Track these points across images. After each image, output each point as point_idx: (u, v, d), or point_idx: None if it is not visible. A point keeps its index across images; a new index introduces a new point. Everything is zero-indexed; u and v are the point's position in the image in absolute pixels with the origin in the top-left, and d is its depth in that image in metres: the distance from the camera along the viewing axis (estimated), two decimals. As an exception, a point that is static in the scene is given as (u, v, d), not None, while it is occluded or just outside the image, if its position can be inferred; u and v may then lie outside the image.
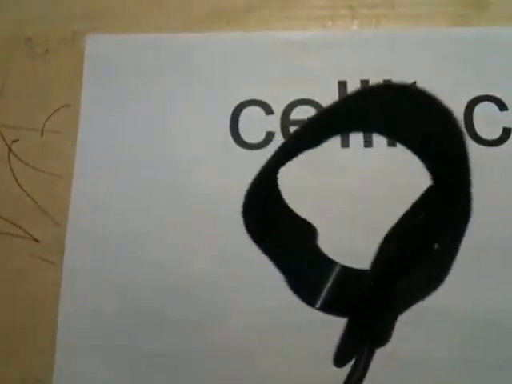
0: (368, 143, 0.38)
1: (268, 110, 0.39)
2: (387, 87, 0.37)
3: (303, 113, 0.39)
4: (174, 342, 0.35)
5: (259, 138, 0.38)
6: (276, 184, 0.35)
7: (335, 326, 0.33)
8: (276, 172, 0.36)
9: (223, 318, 0.35)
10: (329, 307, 0.31)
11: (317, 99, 0.39)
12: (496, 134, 0.38)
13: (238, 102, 0.39)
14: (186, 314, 0.35)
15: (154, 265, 0.36)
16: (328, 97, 0.39)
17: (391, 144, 0.38)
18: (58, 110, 0.39)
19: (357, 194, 0.37)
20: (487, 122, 0.38)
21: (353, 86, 0.39)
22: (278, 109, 0.39)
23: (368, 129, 0.37)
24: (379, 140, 0.38)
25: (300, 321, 0.34)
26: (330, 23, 0.41)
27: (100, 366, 0.34)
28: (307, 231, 0.33)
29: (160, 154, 0.38)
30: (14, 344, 0.35)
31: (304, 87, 0.40)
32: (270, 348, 0.34)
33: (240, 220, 0.36)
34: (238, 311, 0.35)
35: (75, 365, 0.34)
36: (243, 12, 0.41)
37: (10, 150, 0.38)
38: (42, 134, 0.38)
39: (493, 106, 0.39)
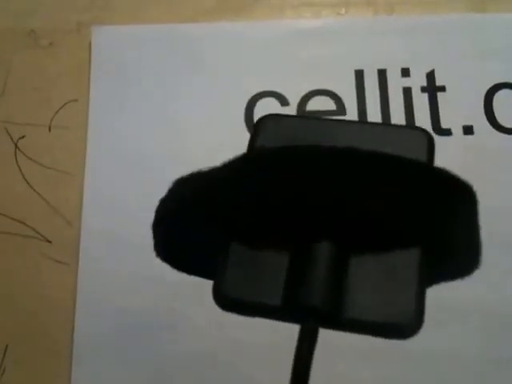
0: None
1: (283, 102, 0.38)
2: None
3: (319, 104, 0.38)
4: (197, 341, 0.33)
5: (275, 130, 0.37)
6: None
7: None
8: None
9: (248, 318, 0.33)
10: None
11: (333, 89, 0.38)
12: (517, 122, 0.37)
13: (251, 94, 0.38)
14: (209, 312, 0.34)
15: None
16: (345, 87, 0.38)
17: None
18: (65, 104, 0.37)
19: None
20: (507, 109, 0.37)
21: (370, 76, 0.38)
22: (294, 100, 0.38)
23: None
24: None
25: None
26: (344, 10, 0.40)
27: (117, 367, 0.33)
28: None
29: (173, 148, 0.37)
30: (30, 347, 0.33)
31: (319, 77, 0.38)
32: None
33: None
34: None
35: (93, 368, 0.33)
36: (253, 0, 0.40)
37: (16, 147, 0.36)
38: (49, 130, 0.37)
39: (513, 94, 0.38)
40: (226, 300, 0.20)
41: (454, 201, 0.20)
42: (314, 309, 0.18)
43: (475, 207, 0.20)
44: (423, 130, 0.22)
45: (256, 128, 0.23)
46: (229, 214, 0.20)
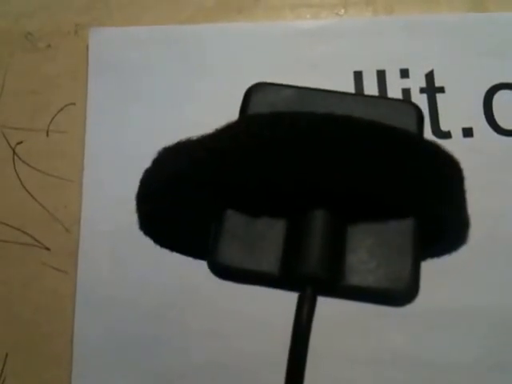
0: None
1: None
2: None
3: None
4: (196, 352, 0.33)
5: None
6: None
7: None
8: None
9: (248, 329, 0.33)
10: None
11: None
12: (517, 124, 0.37)
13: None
14: (209, 323, 0.34)
15: (173, 271, 0.34)
16: (344, 88, 0.37)
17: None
18: (62, 108, 0.37)
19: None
20: (507, 111, 0.37)
21: (369, 77, 0.38)
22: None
23: None
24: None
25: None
26: (343, 11, 0.40)
27: (117, 375, 0.33)
28: None
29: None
30: (30, 356, 0.33)
31: (318, 78, 0.38)
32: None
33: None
34: (264, 320, 0.33)
35: (93, 377, 0.33)
36: (253, 1, 0.40)
37: (14, 152, 0.36)
38: (47, 135, 0.37)
39: (512, 95, 0.38)
40: (223, 268, 0.19)
41: (445, 172, 0.20)
42: (312, 276, 0.18)
43: (463, 182, 0.20)
44: (412, 103, 0.22)
45: (246, 96, 0.22)
46: (226, 181, 0.19)
